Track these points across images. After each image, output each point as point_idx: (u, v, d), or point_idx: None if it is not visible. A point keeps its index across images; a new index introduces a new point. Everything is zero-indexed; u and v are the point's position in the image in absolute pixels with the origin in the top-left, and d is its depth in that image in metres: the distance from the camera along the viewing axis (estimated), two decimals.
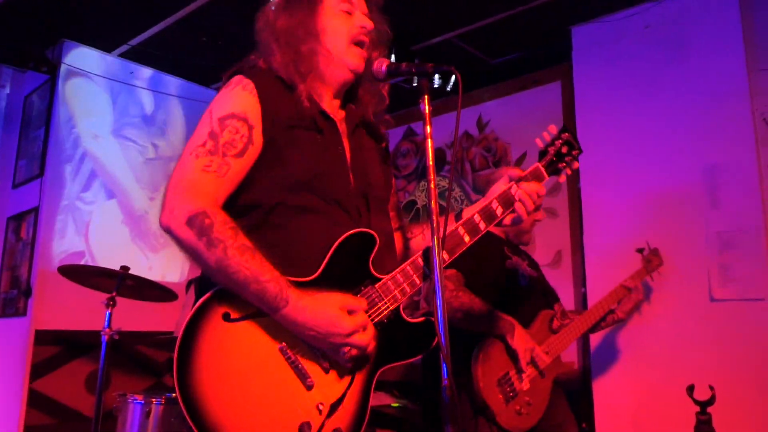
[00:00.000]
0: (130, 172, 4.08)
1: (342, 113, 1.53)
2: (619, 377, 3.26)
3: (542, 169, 1.57)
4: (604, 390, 3.29)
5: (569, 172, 1.63)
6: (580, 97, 3.66)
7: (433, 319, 1.37)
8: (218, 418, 1.20)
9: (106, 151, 3.97)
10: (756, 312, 2.88)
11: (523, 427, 2.33)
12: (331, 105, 1.51)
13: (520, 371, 2.33)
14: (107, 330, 2.78)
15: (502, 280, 2.49)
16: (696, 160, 3.15)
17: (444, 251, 1.41)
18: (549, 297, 2.64)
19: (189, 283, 3.62)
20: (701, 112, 3.17)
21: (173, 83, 4.35)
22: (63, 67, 3.78)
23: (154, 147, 4.23)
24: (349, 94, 1.57)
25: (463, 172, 4.32)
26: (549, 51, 3.91)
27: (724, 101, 3.10)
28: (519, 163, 3.97)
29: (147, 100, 4.24)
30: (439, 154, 4.50)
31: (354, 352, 1.29)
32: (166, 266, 4.12)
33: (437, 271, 1.21)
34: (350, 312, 1.30)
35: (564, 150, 1.59)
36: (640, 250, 2.91)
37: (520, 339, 2.38)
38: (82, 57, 3.90)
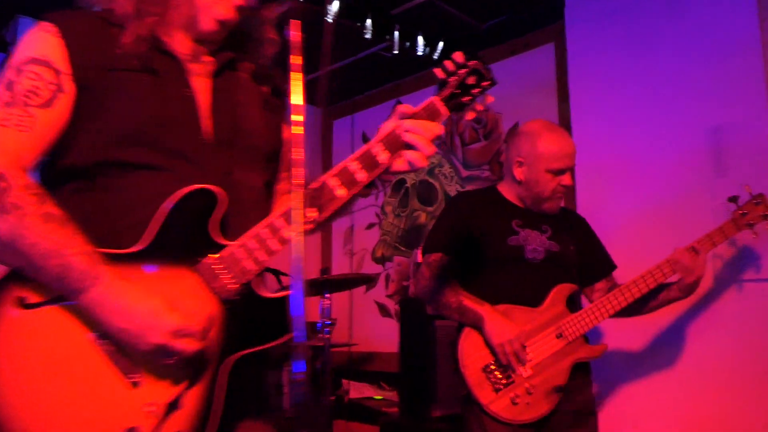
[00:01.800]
0: None
1: (205, 55, 1.27)
2: (619, 360, 2.94)
3: (439, 103, 1.26)
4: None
5: (479, 107, 1.30)
6: (573, 58, 3.32)
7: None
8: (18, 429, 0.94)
9: None
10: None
11: (523, 419, 2.08)
12: (185, 46, 1.25)
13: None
14: None
15: (503, 259, 2.23)
16: (700, 122, 2.79)
17: (311, 208, 1.13)
18: (579, 270, 2.33)
19: None
20: (706, 69, 2.81)
21: None
22: None
23: None
24: (230, 41, 1.31)
25: (452, 147, 4.01)
26: (541, 10, 3.57)
27: (732, 55, 2.73)
28: (510, 134, 3.64)
29: None
30: None
31: (177, 358, 1.02)
32: None
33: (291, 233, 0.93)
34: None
35: (470, 81, 1.27)
36: (733, 199, 2.28)
37: (493, 331, 2.12)
38: None
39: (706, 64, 2.81)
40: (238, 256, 1.12)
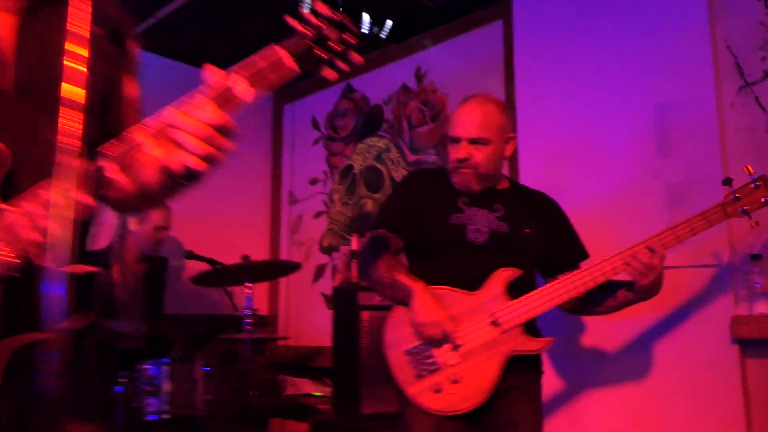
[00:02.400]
0: None
1: None
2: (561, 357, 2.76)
3: (284, 55, 1.05)
4: None
5: (343, 66, 1.10)
6: (519, 36, 3.14)
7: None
8: None
9: None
10: (708, 280, 2.37)
11: (446, 409, 1.90)
12: None
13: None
14: None
15: (444, 239, 2.06)
16: (644, 100, 2.62)
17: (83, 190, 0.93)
18: (541, 258, 2.13)
19: None
20: (652, 42, 2.64)
21: None
22: None
23: None
24: None
25: (400, 131, 3.82)
26: None
27: (680, 31, 2.56)
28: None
29: None
30: (375, 111, 4.00)
31: None
32: None
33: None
34: None
35: (331, 35, 1.06)
36: (727, 181, 1.95)
37: (418, 310, 1.94)
38: None
39: (652, 37, 2.64)
40: (18, 222, 0.92)
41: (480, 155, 2.06)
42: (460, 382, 1.92)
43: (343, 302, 3.00)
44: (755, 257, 2.26)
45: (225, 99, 1.04)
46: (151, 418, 2.51)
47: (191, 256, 3.59)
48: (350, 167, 4.11)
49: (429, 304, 1.94)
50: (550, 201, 2.25)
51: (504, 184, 2.21)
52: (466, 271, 2.02)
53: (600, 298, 2.07)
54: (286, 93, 4.71)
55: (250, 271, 2.83)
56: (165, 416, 2.53)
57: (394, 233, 2.12)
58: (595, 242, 2.41)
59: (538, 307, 1.97)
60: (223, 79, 1.05)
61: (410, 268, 2.13)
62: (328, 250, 4.17)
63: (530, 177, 2.97)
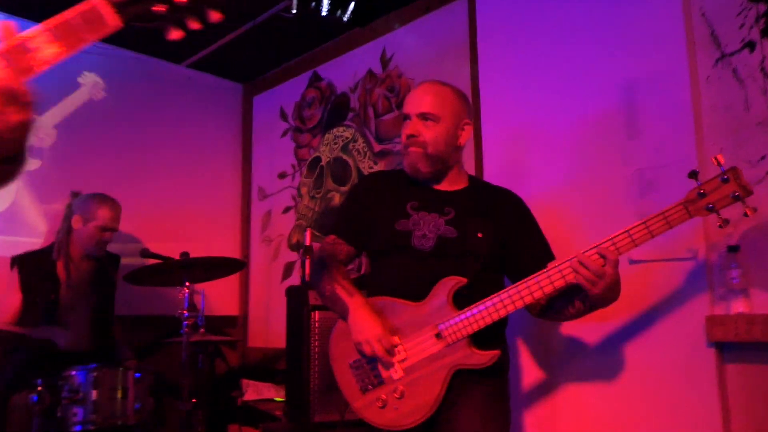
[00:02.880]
0: None
1: None
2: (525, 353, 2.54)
3: (99, 3, 0.83)
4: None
5: (194, 24, 0.90)
6: (482, 14, 2.90)
7: None
8: None
9: None
10: (681, 275, 2.13)
11: (391, 424, 1.79)
12: None
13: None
14: None
15: (390, 247, 1.94)
16: (612, 77, 2.38)
17: None
18: (501, 262, 1.95)
19: (13, 261, 3.03)
20: (620, 14, 2.40)
21: None
22: None
23: None
24: None
25: (365, 119, 3.59)
26: None
27: (650, 2, 2.32)
28: None
29: None
30: (341, 99, 3.78)
31: None
32: None
33: None
34: None
35: None
36: (693, 174, 1.65)
37: (355, 326, 1.84)
38: None
39: (622, 12, 2.39)
40: None
41: (429, 133, 1.92)
42: (404, 396, 1.80)
43: (294, 302, 2.80)
44: (733, 249, 2.01)
45: (17, 56, 0.83)
46: (76, 429, 2.31)
47: (147, 254, 3.39)
48: (317, 159, 3.90)
49: (364, 319, 1.83)
50: (514, 199, 2.07)
51: (461, 184, 2.03)
52: (412, 279, 1.88)
53: (560, 305, 1.89)
54: (255, 84, 4.51)
55: (189, 268, 2.62)
56: (91, 427, 2.32)
57: (344, 239, 2.02)
58: (561, 234, 2.19)
59: (482, 320, 1.78)
60: (14, 32, 0.84)
61: (370, 273, 2.08)
62: (296, 247, 3.96)
63: (493, 163, 2.76)
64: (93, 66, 3.90)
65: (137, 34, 3.79)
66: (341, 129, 3.75)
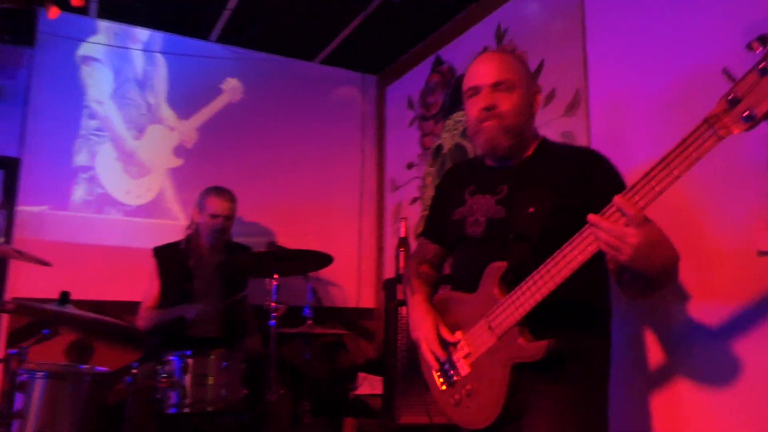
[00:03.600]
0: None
1: None
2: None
3: None
4: None
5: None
6: None
7: None
8: None
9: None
10: None
11: (467, 424, 1.65)
12: None
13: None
14: None
15: (450, 238, 1.84)
16: (734, 21, 1.89)
17: None
18: (537, 238, 1.63)
19: (154, 252, 3.31)
20: None
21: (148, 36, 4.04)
22: (44, 36, 3.68)
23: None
24: None
25: None
26: None
27: None
28: (536, 74, 2.88)
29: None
30: (460, 82, 3.54)
31: None
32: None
33: None
34: None
35: None
36: (727, 75, 1.20)
37: (411, 324, 1.81)
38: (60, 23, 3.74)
39: None
40: None
41: (506, 103, 1.69)
42: (472, 395, 1.64)
43: (387, 296, 2.67)
44: None
45: None
46: (171, 411, 2.44)
47: (274, 246, 3.51)
48: (440, 147, 3.72)
49: (418, 316, 1.79)
50: (587, 158, 1.75)
51: (527, 153, 1.77)
52: (466, 269, 1.76)
53: (619, 278, 1.57)
54: (387, 74, 4.45)
55: (276, 260, 2.62)
56: (185, 410, 2.43)
57: (429, 239, 1.99)
58: (679, 209, 1.79)
59: (526, 303, 1.51)
60: None
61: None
62: None
63: (601, 132, 2.38)
64: (233, 71, 4.15)
65: (271, 36, 3.96)
66: (460, 113, 3.53)
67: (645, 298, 1.58)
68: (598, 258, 1.43)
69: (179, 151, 3.97)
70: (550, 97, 2.74)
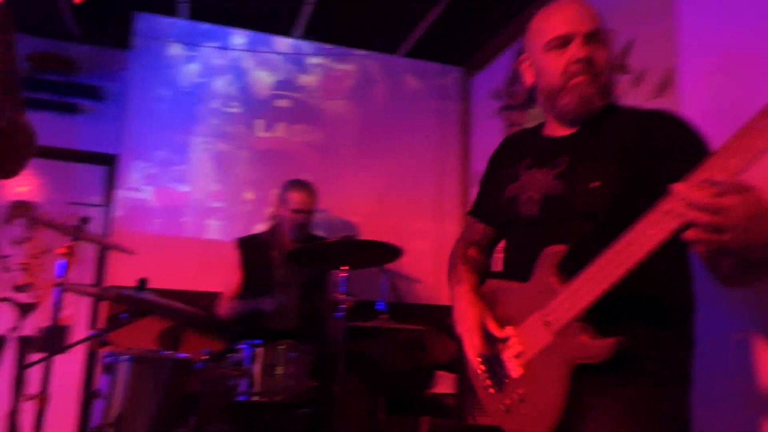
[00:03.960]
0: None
1: None
2: None
3: None
4: None
5: None
6: None
7: None
8: None
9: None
10: None
11: None
12: None
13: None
14: None
15: (500, 219, 1.65)
16: None
17: None
18: (603, 216, 1.42)
19: (236, 242, 3.39)
20: None
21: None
22: (140, 39, 3.89)
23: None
24: None
25: None
26: None
27: None
28: (625, 53, 2.66)
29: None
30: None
31: None
32: None
33: None
34: None
35: None
36: None
37: (456, 316, 1.59)
38: (154, 26, 3.95)
39: None
40: None
41: (601, 56, 1.48)
42: (525, 400, 1.43)
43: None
44: None
45: None
46: (241, 398, 2.47)
47: (350, 239, 3.49)
48: None
49: (462, 309, 1.57)
50: (662, 120, 1.49)
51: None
52: (518, 254, 1.55)
53: (713, 263, 1.29)
54: (471, 65, 4.32)
55: (345, 250, 2.59)
56: (255, 398, 2.45)
57: (477, 217, 1.78)
58: None
59: (589, 293, 1.29)
60: None
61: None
62: None
63: (695, 107, 2.14)
64: (317, 66, 4.19)
65: (353, 30, 3.96)
66: None
67: (747, 285, 1.34)
68: (677, 237, 1.17)
69: (264, 146, 4.06)
70: (639, 78, 2.52)
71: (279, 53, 4.13)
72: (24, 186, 4.02)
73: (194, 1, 3.80)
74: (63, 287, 2.52)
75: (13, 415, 2.74)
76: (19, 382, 3.43)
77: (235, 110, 4.03)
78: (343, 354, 2.44)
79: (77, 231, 2.61)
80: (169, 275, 3.55)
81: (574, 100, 1.47)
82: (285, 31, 4.11)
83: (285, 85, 4.12)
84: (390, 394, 2.94)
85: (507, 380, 1.46)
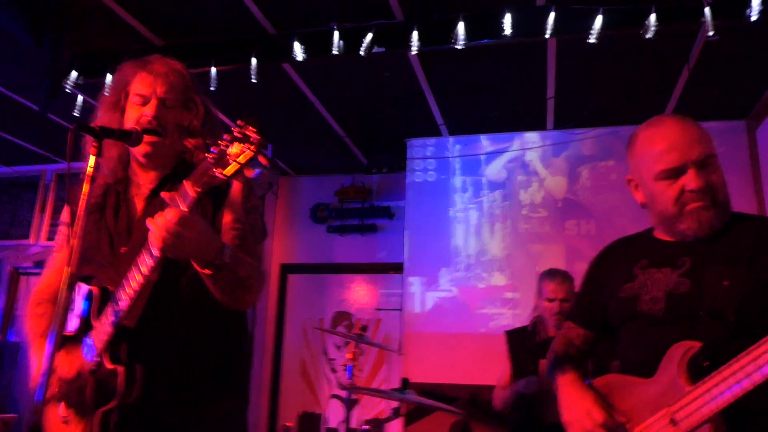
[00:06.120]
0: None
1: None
2: None
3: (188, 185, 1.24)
4: None
5: (249, 173, 1.22)
6: None
7: None
8: None
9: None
10: None
11: None
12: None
13: None
14: None
15: (616, 318, 1.64)
16: None
17: None
18: (734, 315, 1.39)
19: (506, 335, 3.53)
20: None
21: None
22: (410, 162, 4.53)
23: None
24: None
25: None
26: None
27: None
28: None
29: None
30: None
31: None
32: None
33: None
34: None
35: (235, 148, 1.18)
36: None
37: (562, 405, 1.59)
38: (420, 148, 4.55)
39: None
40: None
41: (715, 177, 1.47)
42: None
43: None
44: None
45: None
46: None
47: None
48: None
49: (569, 397, 1.56)
50: None
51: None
52: (640, 351, 1.50)
53: None
54: (755, 115, 3.83)
55: None
56: None
57: (577, 323, 1.77)
58: None
59: (725, 394, 1.23)
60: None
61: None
62: None
63: None
64: (570, 150, 4.23)
65: (599, 110, 3.94)
66: None
67: None
68: None
69: (522, 240, 4.21)
70: None
71: (529, 148, 4.32)
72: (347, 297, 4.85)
73: (449, 121, 4.29)
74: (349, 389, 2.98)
75: None
76: None
77: (498, 211, 4.29)
78: None
79: (359, 338, 3.09)
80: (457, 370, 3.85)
81: (694, 226, 1.46)
82: (540, 126, 4.30)
83: (552, 174, 4.25)
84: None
85: None
